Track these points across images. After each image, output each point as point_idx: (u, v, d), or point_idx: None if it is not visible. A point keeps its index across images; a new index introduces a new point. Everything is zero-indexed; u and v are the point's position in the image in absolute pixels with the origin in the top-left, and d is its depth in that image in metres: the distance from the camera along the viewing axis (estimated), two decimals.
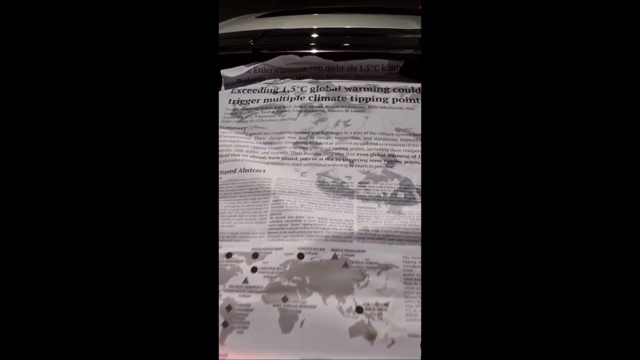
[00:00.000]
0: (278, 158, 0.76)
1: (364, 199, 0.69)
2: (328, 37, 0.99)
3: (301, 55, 0.90)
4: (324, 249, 0.62)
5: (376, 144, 0.77)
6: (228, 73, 0.92)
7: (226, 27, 1.18)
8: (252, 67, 0.91)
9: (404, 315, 0.57)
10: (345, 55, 0.91)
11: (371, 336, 0.55)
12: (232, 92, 0.90)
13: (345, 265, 0.61)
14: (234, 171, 0.74)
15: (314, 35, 1.00)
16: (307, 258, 0.61)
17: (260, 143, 0.79)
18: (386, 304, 0.58)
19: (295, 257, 0.62)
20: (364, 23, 1.11)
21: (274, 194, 0.69)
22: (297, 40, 0.98)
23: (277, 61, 0.91)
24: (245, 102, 0.87)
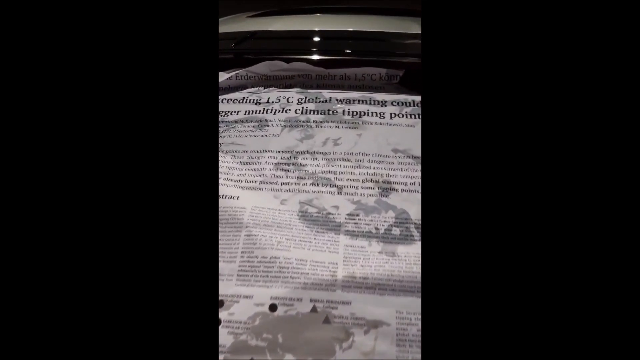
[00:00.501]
0: (255, 182, 0.66)
1: (352, 235, 0.59)
2: (321, 41, 0.89)
3: (288, 61, 0.79)
4: (301, 300, 0.52)
5: (369, 168, 0.66)
6: None
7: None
8: (232, 73, 0.81)
9: None
10: (339, 62, 0.81)
11: None
12: None
13: (326, 320, 0.50)
14: None
15: (305, 39, 0.90)
16: (280, 310, 0.51)
17: (236, 163, 0.69)
18: None
19: (266, 308, 0.51)
20: (362, 25, 1.00)
21: (247, 227, 0.59)
22: (286, 44, 0.87)
23: (261, 67, 0.81)
24: (223, 114, 0.77)
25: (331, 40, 0.89)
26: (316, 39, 0.90)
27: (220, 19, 1.25)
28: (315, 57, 0.81)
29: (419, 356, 0.48)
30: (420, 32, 0.92)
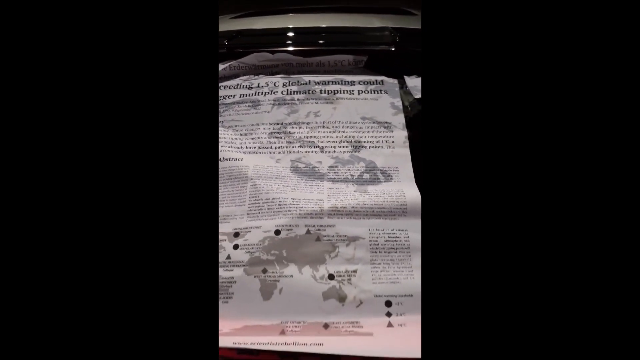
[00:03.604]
0: (254, 147, 0.83)
1: (333, 180, 0.76)
2: (298, 35, 1.06)
3: (273, 52, 0.97)
4: (298, 226, 0.69)
5: (344, 132, 0.84)
6: None
7: None
8: (227, 65, 0.97)
9: (370, 280, 0.64)
10: (314, 52, 0.98)
11: (342, 299, 0.63)
12: None
13: (318, 239, 0.68)
14: None
15: (285, 34, 1.07)
16: (283, 234, 0.68)
17: (237, 135, 0.85)
18: (354, 271, 0.65)
19: (272, 233, 0.68)
20: (333, 22, 1.18)
21: (251, 179, 0.76)
22: (269, 39, 1.04)
23: (251, 59, 0.97)
24: (222, 98, 0.93)
25: (306, 34, 1.06)
26: (292, 34, 1.08)
27: None
28: (295, 48, 0.99)
29: (388, 258, 0.66)
30: (383, 25, 1.11)
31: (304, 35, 1.06)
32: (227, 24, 1.17)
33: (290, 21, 1.20)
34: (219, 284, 0.65)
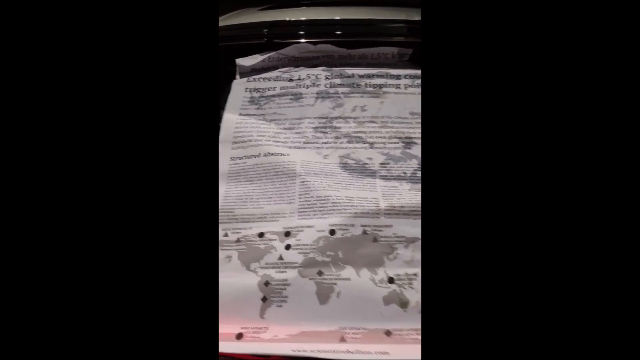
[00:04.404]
0: (300, 142, 0.79)
1: (386, 178, 0.72)
2: (338, 27, 1.02)
3: (315, 43, 0.92)
4: (353, 225, 0.65)
5: (393, 127, 0.80)
6: (243, 62, 0.93)
7: (232, 19, 1.20)
8: (266, 56, 0.93)
9: None
10: (356, 44, 0.94)
11: (404, 304, 0.59)
12: (247, 80, 0.92)
13: (375, 240, 0.64)
14: (259, 155, 0.77)
15: (325, 25, 1.03)
16: (338, 234, 0.64)
17: (281, 129, 0.82)
18: (415, 274, 0.61)
19: (327, 233, 0.65)
20: (374, 14, 1.13)
21: (300, 175, 0.72)
22: (310, 29, 1.00)
23: (291, 50, 0.93)
24: (262, 90, 0.89)
25: (347, 26, 1.02)
26: (332, 25, 1.04)
27: (234, 12, 1.36)
28: (337, 39, 0.95)
29: None
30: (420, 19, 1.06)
31: (345, 26, 1.01)
32: (263, 15, 1.13)
33: (329, 12, 1.15)
34: (272, 286, 0.61)
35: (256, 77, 0.92)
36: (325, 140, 0.79)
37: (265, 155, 0.76)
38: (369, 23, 1.05)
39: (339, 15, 1.09)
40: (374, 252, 0.63)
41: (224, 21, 1.21)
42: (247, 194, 0.72)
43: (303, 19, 1.08)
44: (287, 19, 1.05)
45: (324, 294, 0.60)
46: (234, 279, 0.63)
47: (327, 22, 1.04)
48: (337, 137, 0.79)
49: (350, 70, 0.91)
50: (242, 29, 1.05)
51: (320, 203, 0.68)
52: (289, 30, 0.99)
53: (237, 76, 0.94)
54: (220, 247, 0.67)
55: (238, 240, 0.67)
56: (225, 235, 0.68)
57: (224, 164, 0.77)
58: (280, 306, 0.60)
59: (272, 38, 0.96)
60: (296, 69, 0.93)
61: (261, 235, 0.67)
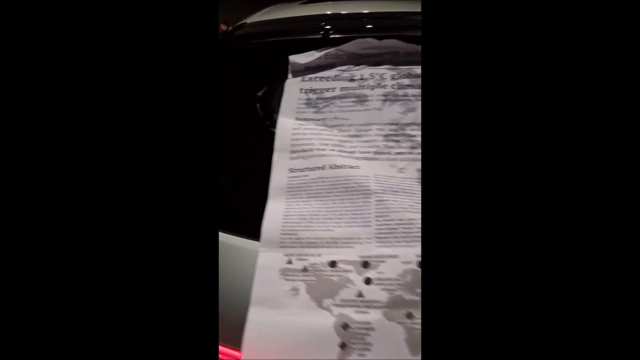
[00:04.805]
0: (370, 153, 0.68)
1: None
2: (399, 20, 0.91)
3: (380, 38, 0.82)
4: None
5: None
6: (297, 59, 0.83)
7: (278, 12, 1.10)
8: (323, 52, 0.83)
9: None
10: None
11: None
12: (302, 80, 0.82)
13: None
14: (323, 167, 0.66)
15: (385, 19, 0.92)
16: None
17: (345, 136, 0.71)
18: None
19: (414, 266, 0.54)
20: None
21: (375, 193, 0.61)
22: (369, 23, 0.89)
23: (351, 46, 0.82)
24: (319, 91, 0.79)
25: (413, 17, 0.91)
26: (397, 19, 0.92)
27: (274, 6, 1.26)
28: (402, 33, 0.83)
29: None
30: None
31: (411, 17, 0.90)
32: (311, 8, 1.03)
33: (392, 5, 1.04)
34: (352, 330, 0.51)
35: (312, 76, 0.82)
36: (399, 150, 0.68)
37: (330, 167, 0.66)
38: None
39: (403, 7, 0.98)
40: None
41: (268, 15, 1.11)
42: (312, 212, 0.62)
43: (366, 11, 0.97)
44: (346, 11, 0.94)
45: (415, 343, 0.49)
46: (303, 317, 0.53)
47: (393, 15, 0.93)
48: (412, 147, 0.68)
49: (418, 69, 0.80)
50: (293, 22, 0.95)
51: (403, 228, 0.57)
52: (348, 24, 0.88)
53: (289, 75, 0.84)
54: (284, 277, 0.57)
55: (305, 270, 0.57)
56: (289, 262, 0.58)
57: (282, 176, 0.67)
58: (363, 355, 0.49)
59: (328, 33, 0.86)
60: (357, 68, 0.82)
61: (333, 264, 0.57)
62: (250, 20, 1.12)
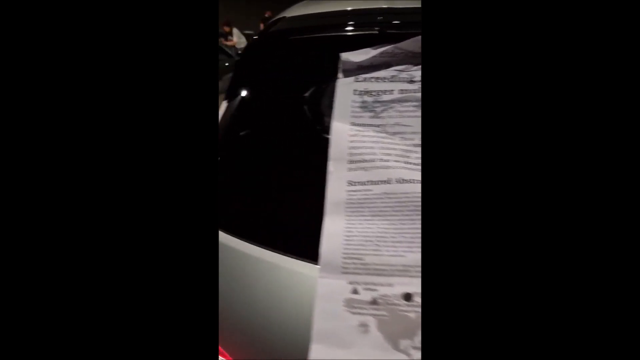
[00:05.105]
0: None
1: None
2: None
3: None
4: None
5: None
6: (351, 57, 0.75)
7: (313, 7, 1.02)
8: (378, 50, 0.75)
9: None
10: None
11: None
12: (355, 80, 0.74)
13: None
14: (388, 182, 0.58)
15: None
16: None
17: (409, 145, 0.63)
18: None
19: None
20: None
21: None
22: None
23: (411, 44, 0.74)
24: (375, 93, 0.71)
25: None
26: None
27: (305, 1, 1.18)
28: None
29: None
30: None
31: None
32: (334, 4, 0.94)
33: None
34: None
35: (366, 76, 0.74)
36: None
37: (397, 181, 0.58)
38: None
39: None
40: None
41: (307, 9, 1.03)
42: (378, 234, 0.54)
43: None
44: (405, 6, 0.85)
45: None
46: None
47: None
48: None
49: None
50: (339, 17, 0.87)
51: None
52: (405, 19, 0.80)
53: (340, 74, 0.76)
54: (349, 309, 0.49)
55: (375, 302, 0.49)
56: (355, 291, 0.50)
57: (339, 189, 0.60)
58: None
59: (385, 29, 0.78)
60: (416, 68, 0.74)
61: (408, 297, 0.49)
62: (289, 14, 1.04)
